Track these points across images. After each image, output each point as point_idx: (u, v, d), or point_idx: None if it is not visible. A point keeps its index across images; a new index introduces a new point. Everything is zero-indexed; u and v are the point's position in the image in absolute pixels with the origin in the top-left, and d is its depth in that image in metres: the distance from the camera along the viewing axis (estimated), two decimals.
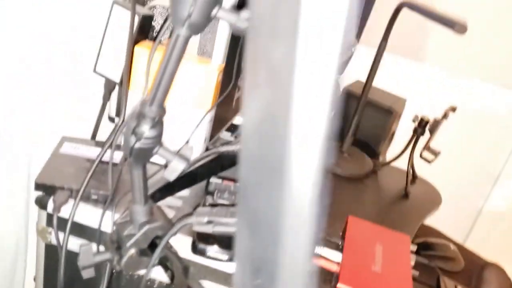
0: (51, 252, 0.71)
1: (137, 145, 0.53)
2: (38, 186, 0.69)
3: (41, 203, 0.69)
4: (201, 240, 0.65)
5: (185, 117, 0.76)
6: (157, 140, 0.55)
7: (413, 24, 1.23)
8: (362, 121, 1.36)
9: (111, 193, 0.66)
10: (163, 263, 0.61)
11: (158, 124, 0.54)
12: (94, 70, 0.80)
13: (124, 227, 0.61)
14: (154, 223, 0.60)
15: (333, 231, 1.08)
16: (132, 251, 0.60)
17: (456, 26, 0.77)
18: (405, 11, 1.11)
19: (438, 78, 1.53)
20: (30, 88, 0.77)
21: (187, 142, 0.75)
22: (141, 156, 0.55)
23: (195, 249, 0.65)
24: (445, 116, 1.17)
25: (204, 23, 0.48)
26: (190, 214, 0.57)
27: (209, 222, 0.55)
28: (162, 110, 0.53)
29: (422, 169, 1.36)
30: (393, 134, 1.45)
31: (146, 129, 0.53)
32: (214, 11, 0.47)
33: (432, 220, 1.38)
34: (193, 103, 0.76)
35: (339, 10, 0.23)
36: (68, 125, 0.82)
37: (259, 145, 0.30)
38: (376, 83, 1.43)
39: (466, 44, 1.49)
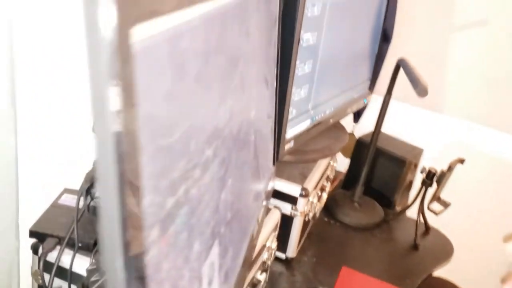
0: None
1: (92, 203, 0.62)
2: (31, 234, 0.79)
3: (34, 249, 0.79)
4: None
5: None
6: None
7: (431, 76, 1.25)
8: (376, 171, 1.38)
9: (77, 239, 0.75)
10: None
11: None
12: (93, 130, 0.90)
13: (93, 273, 0.69)
14: None
15: (330, 282, 1.10)
16: None
17: (418, 88, 0.80)
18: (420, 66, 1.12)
19: (457, 129, 1.52)
20: (33, 146, 0.89)
21: None
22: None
23: None
24: (450, 168, 1.17)
25: None
26: None
27: None
28: None
29: (445, 220, 1.34)
30: (410, 184, 1.44)
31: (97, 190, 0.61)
32: None
33: (460, 272, 1.35)
34: None
35: None
36: (72, 178, 0.93)
37: None
38: (394, 132, 1.45)
39: (486, 94, 1.48)
